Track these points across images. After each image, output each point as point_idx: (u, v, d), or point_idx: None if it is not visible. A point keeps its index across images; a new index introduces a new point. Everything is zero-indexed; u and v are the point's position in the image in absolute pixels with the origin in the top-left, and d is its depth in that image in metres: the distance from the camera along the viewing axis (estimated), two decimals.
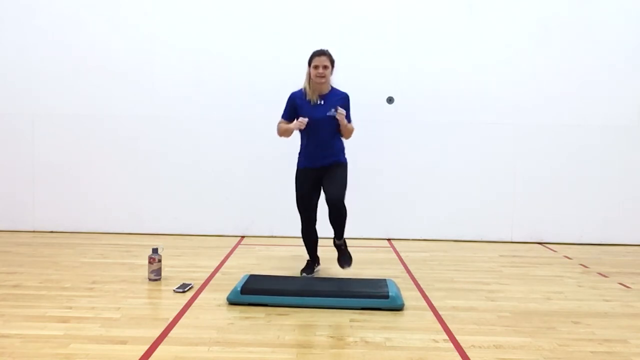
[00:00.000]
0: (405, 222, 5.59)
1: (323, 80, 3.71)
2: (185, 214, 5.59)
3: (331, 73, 3.77)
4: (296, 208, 3.99)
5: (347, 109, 3.82)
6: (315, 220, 4.01)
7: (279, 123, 3.91)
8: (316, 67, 3.69)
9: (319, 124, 3.74)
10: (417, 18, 5.50)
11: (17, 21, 5.50)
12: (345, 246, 3.97)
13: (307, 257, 4.17)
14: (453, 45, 5.50)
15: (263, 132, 5.52)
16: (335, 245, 3.97)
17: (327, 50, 3.76)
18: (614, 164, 5.53)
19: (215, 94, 5.54)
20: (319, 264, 4.19)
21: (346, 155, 3.98)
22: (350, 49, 5.49)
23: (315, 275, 4.09)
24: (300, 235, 4.09)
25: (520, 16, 5.47)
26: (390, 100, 5.50)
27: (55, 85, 5.53)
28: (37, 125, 5.56)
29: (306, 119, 3.70)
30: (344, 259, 3.92)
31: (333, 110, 3.72)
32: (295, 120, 3.76)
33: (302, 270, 4.06)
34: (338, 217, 3.80)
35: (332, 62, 3.75)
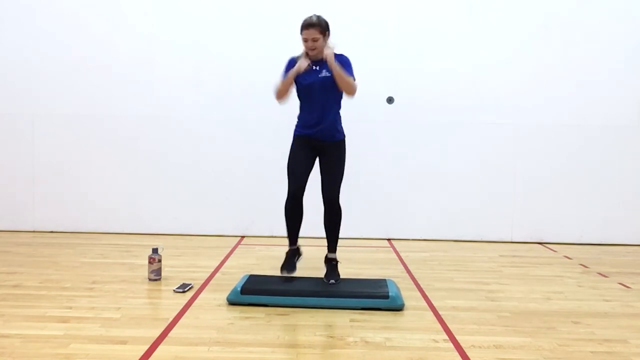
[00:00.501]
0: (405, 222, 5.59)
1: (315, 52, 3.54)
2: (185, 214, 5.59)
3: (325, 41, 3.57)
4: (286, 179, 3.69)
5: (346, 67, 3.57)
6: (303, 193, 3.61)
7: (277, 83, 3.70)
8: (306, 40, 3.54)
9: (312, 88, 3.57)
10: (417, 18, 5.50)
11: (17, 21, 5.50)
12: (337, 264, 3.69)
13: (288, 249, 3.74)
14: (453, 45, 5.50)
15: (263, 132, 5.54)
16: (327, 260, 3.71)
17: (316, 20, 3.53)
18: (614, 164, 5.53)
19: (215, 94, 5.54)
20: (300, 254, 3.74)
21: (344, 131, 3.78)
22: (350, 49, 5.45)
23: (312, 263, 3.89)
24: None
25: (521, 16, 5.47)
26: (390, 100, 5.50)
27: (55, 85, 5.53)
28: (37, 125, 5.56)
29: (309, 61, 3.53)
30: (333, 275, 3.62)
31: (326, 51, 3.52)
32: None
33: (282, 268, 3.61)
34: (332, 218, 3.65)
35: (322, 31, 3.53)
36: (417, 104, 5.52)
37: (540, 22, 5.47)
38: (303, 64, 3.51)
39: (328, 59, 3.47)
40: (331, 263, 3.67)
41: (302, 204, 3.64)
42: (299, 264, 3.72)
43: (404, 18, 5.50)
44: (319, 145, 3.66)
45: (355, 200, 5.46)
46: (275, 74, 5.39)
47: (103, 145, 5.57)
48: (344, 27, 5.46)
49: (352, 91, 3.57)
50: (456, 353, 2.66)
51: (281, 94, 3.72)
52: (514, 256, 4.95)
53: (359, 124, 5.48)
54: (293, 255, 3.70)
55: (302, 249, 3.81)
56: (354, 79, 3.59)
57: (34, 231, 5.59)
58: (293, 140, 3.78)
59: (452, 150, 5.56)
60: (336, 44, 3.70)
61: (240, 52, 5.50)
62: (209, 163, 5.57)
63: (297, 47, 5.45)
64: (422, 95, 5.52)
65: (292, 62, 3.68)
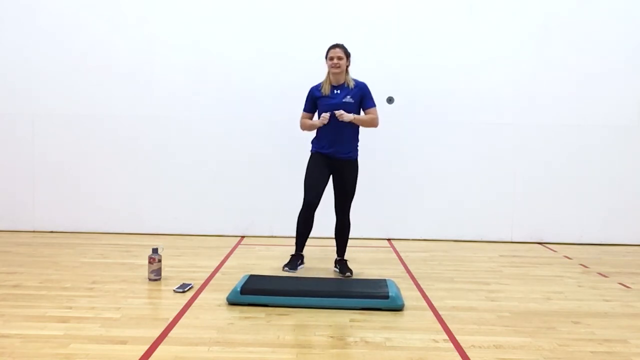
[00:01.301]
0: (405, 222, 5.60)
1: (338, 70, 3.96)
2: (185, 214, 5.59)
3: (347, 64, 4.01)
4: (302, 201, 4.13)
5: (366, 96, 4.05)
6: (318, 203, 4.06)
7: (302, 118, 4.15)
8: (331, 58, 3.96)
9: (336, 110, 3.93)
10: (417, 18, 5.50)
11: (18, 21, 5.50)
12: (347, 262, 4.20)
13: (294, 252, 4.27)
14: (453, 45, 5.50)
15: (263, 132, 5.54)
16: (339, 261, 4.20)
17: (341, 44, 4.03)
18: (614, 164, 5.53)
19: (216, 94, 5.54)
20: (303, 262, 4.25)
21: (359, 150, 4.15)
22: (350, 49, 5.48)
23: (313, 262, 4.33)
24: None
25: (521, 16, 5.47)
26: (390, 100, 5.50)
27: (55, 85, 5.53)
28: (37, 125, 5.56)
29: (328, 114, 3.92)
30: (347, 269, 4.09)
31: (336, 113, 3.92)
32: (317, 116, 4.06)
33: (285, 265, 4.18)
34: (344, 227, 4.15)
35: (346, 54, 4.00)
36: (417, 104, 5.52)
37: (540, 22, 5.47)
38: (325, 120, 3.93)
39: (346, 119, 3.89)
40: (343, 261, 4.17)
41: (314, 216, 4.11)
42: (300, 268, 4.21)
43: (404, 18, 5.50)
44: (334, 163, 4.04)
45: (355, 200, 5.45)
46: (276, 74, 5.45)
47: (103, 145, 5.57)
48: (344, 27, 5.49)
49: (376, 125, 4.10)
50: (456, 353, 2.66)
51: (305, 130, 4.20)
52: (514, 256, 4.95)
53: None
54: (297, 259, 4.20)
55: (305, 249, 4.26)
56: (375, 106, 4.07)
57: (34, 231, 5.59)
58: (310, 157, 4.15)
59: (452, 150, 5.56)
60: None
61: (241, 53, 5.50)
62: (209, 163, 5.57)
63: (297, 47, 5.50)
64: (422, 96, 5.52)
65: (312, 92, 4.09)
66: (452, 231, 5.59)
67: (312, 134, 4.20)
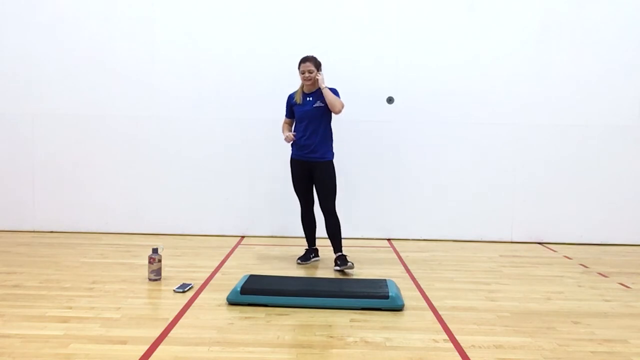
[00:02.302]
0: (405, 222, 5.60)
1: (309, 82, 4.26)
2: (185, 214, 5.59)
3: (318, 73, 4.24)
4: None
5: (335, 93, 4.28)
6: (313, 203, 4.43)
7: (283, 123, 4.52)
8: (303, 72, 4.25)
9: (306, 116, 4.26)
10: (417, 18, 5.49)
11: (18, 21, 5.50)
12: (346, 256, 4.27)
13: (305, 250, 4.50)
14: (453, 45, 5.50)
15: (263, 132, 5.53)
16: (338, 256, 4.25)
17: (311, 56, 4.27)
18: (614, 164, 5.53)
19: (216, 94, 5.54)
20: (317, 255, 4.53)
21: (334, 151, 4.36)
22: (350, 49, 5.50)
23: (311, 264, 4.44)
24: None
25: (521, 16, 5.47)
26: (390, 100, 5.50)
27: (56, 85, 5.53)
28: (37, 125, 5.56)
29: (292, 135, 4.30)
30: (345, 262, 4.18)
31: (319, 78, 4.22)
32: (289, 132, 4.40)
33: (299, 258, 4.47)
34: (331, 227, 4.26)
35: (316, 65, 4.25)
36: (417, 104, 5.52)
37: (540, 22, 5.47)
38: (288, 138, 4.31)
39: (319, 81, 4.20)
40: (341, 257, 4.24)
41: (314, 214, 4.47)
42: (314, 260, 4.51)
43: (403, 18, 5.49)
44: (310, 165, 4.30)
45: (355, 200, 5.47)
46: (276, 74, 5.46)
47: (103, 145, 5.57)
48: (344, 27, 5.49)
49: (337, 107, 4.22)
50: (456, 353, 2.66)
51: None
52: (514, 256, 4.95)
53: (359, 124, 5.50)
54: (309, 252, 4.50)
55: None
56: (339, 98, 4.27)
57: (34, 231, 5.59)
58: (290, 164, 4.45)
59: (452, 150, 5.56)
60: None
61: (241, 52, 5.50)
62: (210, 163, 5.57)
63: (297, 46, 5.50)
64: (422, 96, 5.52)
65: (289, 99, 4.42)
66: (452, 231, 5.59)
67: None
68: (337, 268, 4.16)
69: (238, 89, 5.52)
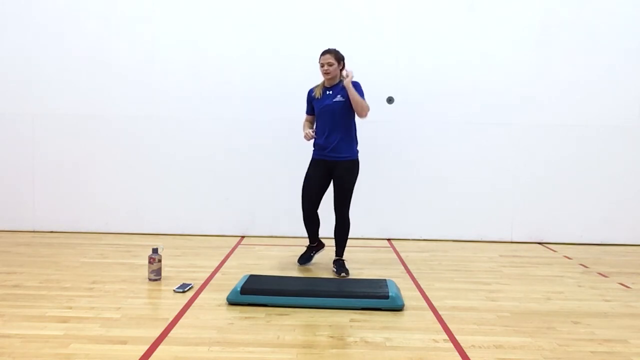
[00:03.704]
0: (405, 222, 5.59)
1: (328, 76, 4.06)
2: (185, 214, 5.59)
3: (340, 67, 4.08)
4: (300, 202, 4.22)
5: (358, 88, 4.04)
6: (316, 210, 4.19)
7: (304, 121, 4.28)
8: (322, 65, 4.04)
9: (325, 111, 4.05)
10: (417, 18, 5.49)
11: (18, 21, 5.50)
12: (344, 262, 4.21)
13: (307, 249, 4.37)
14: (453, 45, 5.50)
15: (264, 132, 5.54)
16: (337, 260, 4.19)
17: (332, 49, 4.07)
18: (614, 164, 5.53)
19: (216, 94, 5.54)
20: (322, 246, 4.39)
21: (358, 149, 4.18)
22: (350, 49, 5.48)
23: (311, 263, 4.37)
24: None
25: (521, 16, 5.47)
26: (390, 100, 5.50)
27: (55, 85, 5.53)
28: (37, 125, 5.56)
29: (312, 133, 4.05)
30: (343, 269, 4.11)
31: (345, 74, 4.00)
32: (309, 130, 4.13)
33: (299, 258, 4.35)
34: (340, 230, 4.14)
35: (337, 58, 4.04)
36: (417, 104, 5.52)
37: (540, 22, 5.47)
38: (308, 136, 4.04)
39: (345, 82, 3.94)
40: (340, 262, 4.17)
41: (317, 214, 4.21)
42: (313, 260, 4.40)
43: (403, 17, 5.49)
44: (331, 164, 4.07)
45: (355, 200, 5.45)
46: (276, 74, 5.45)
47: (103, 145, 5.57)
48: (344, 28, 5.49)
49: (364, 111, 4.02)
50: (456, 353, 2.66)
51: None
52: (514, 256, 4.95)
53: (359, 124, 5.49)
54: (310, 250, 4.35)
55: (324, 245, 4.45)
56: (364, 99, 4.03)
57: (34, 231, 5.59)
58: (310, 162, 4.21)
59: (452, 150, 5.56)
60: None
61: (241, 52, 5.50)
62: (209, 163, 5.57)
63: (298, 46, 5.50)
64: (422, 96, 5.51)
65: (309, 94, 4.21)
66: (452, 231, 5.59)
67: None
68: (334, 270, 4.13)
69: (238, 89, 5.52)
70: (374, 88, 5.48)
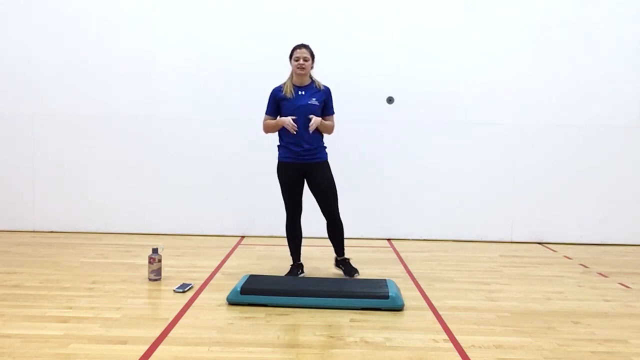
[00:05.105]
0: (405, 222, 5.59)
1: (303, 71, 3.85)
2: (185, 214, 5.59)
3: (312, 66, 3.91)
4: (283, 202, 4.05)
5: (329, 102, 3.94)
6: (300, 212, 4.01)
7: (265, 120, 4.00)
8: (297, 59, 3.85)
9: (302, 111, 3.82)
10: (416, 18, 5.49)
11: (18, 21, 5.50)
12: (349, 260, 4.13)
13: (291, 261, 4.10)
14: (453, 45, 5.50)
15: (263, 132, 5.52)
16: (340, 261, 4.10)
17: (307, 44, 3.92)
18: (614, 164, 5.53)
19: (216, 94, 5.54)
20: (302, 270, 4.06)
21: (327, 150, 4.03)
22: (350, 49, 5.49)
23: (313, 262, 4.27)
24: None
25: (521, 16, 5.47)
26: (390, 100, 5.50)
27: (56, 85, 5.53)
28: (37, 125, 5.56)
29: (296, 126, 3.80)
30: (352, 270, 4.06)
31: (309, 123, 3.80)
32: (279, 117, 3.90)
33: (287, 274, 3.99)
34: (336, 231, 4.02)
35: (312, 55, 3.89)
36: (417, 104, 5.52)
37: (540, 22, 5.47)
38: (290, 127, 3.78)
39: (314, 125, 3.78)
40: (345, 261, 4.09)
41: (300, 225, 4.03)
42: (301, 276, 4.04)
43: (403, 18, 5.50)
44: (303, 167, 3.90)
45: (355, 200, 5.46)
46: (276, 74, 5.38)
47: (103, 145, 5.57)
48: (343, 28, 5.49)
49: (331, 133, 3.98)
50: (456, 353, 2.66)
51: (269, 132, 4.06)
52: (514, 256, 4.95)
53: (359, 124, 5.50)
54: (297, 268, 4.05)
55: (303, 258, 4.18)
56: (334, 113, 3.98)
57: (34, 231, 5.59)
58: (278, 167, 4.00)
59: (452, 150, 5.56)
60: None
61: (241, 52, 5.50)
62: (209, 163, 5.57)
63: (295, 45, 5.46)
64: (422, 96, 5.51)
65: (275, 93, 3.94)
66: (452, 231, 5.59)
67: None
68: (342, 271, 4.07)
69: (238, 89, 5.52)
70: (374, 88, 5.51)
